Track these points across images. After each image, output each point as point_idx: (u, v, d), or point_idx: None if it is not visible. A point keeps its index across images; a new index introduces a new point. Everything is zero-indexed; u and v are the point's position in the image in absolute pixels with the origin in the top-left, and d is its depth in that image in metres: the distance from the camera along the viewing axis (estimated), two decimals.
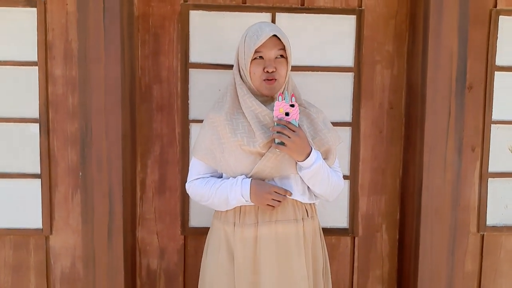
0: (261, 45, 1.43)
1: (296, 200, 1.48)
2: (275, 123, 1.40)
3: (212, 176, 1.54)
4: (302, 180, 1.48)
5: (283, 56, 1.47)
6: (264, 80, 1.45)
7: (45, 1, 1.83)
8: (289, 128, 1.38)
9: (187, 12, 1.87)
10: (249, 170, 1.46)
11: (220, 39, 1.89)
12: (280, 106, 1.39)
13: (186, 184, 1.58)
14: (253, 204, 1.45)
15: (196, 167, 1.55)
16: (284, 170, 1.45)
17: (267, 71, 1.44)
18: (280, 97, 1.39)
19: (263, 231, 1.45)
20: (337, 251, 2.01)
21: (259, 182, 1.43)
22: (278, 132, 1.38)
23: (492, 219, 2.01)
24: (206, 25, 1.89)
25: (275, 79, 1.46)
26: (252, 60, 1.45)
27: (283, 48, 1.46)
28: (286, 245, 1.46)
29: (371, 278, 2.04)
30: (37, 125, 1.89)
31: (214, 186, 1.48)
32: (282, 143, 1.38)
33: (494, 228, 2.01)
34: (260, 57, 1.45)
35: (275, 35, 1.44)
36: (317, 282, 1.53)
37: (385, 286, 2.05)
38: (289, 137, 1.37)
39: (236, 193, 1.43)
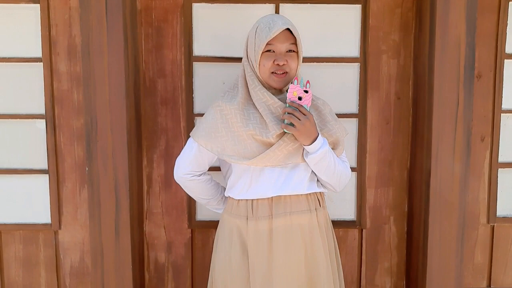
0: (273, 38, 1.41)
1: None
2: (287, 105, 1.40)
3: (202, 174, 1.58)
4: (310, 171, 1.48)
5: (294, 51, 1.45)
6: (273, 72, 1.44)
7: None
8: (300, 111, 1.39)
9: (190, 5, 1.86)
10: (255, 155, 1.43)
11: (223, 31, 1.88)
12: (294, 89, 1.40)
13: (178, 174, 1.56)
14: (265, 197, 1.45)
15: (194, 156, 1.53)
16: (292, 159, 1.45)
17: (278, 64, 1.43)
18: (296, 80, 1.40)
19: (278, 223, 1.45)
20: (345, 243, 2.00)
21: None
22: (289, 113, 1.39)
23: (502, 210, 1.98)
24: (209, 17, 1.87)
25: (286, 72, 1.45)
26: (263, 52, 1.43)
27: (295, 43, 1.45)
28: (301, 236, 1.46)
29: (380, 271, 2.02)
30: (43, 121, 1.90)
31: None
32: (291, 124, 1.39)
33: (505, 219, 1.98)
34: (271, 50, 1.44)
35: (287, 29, 1.43)
36: (333, 272, 1.53)
37: (393, 279, 2.03)
38: (299, 119, 1.37)
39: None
